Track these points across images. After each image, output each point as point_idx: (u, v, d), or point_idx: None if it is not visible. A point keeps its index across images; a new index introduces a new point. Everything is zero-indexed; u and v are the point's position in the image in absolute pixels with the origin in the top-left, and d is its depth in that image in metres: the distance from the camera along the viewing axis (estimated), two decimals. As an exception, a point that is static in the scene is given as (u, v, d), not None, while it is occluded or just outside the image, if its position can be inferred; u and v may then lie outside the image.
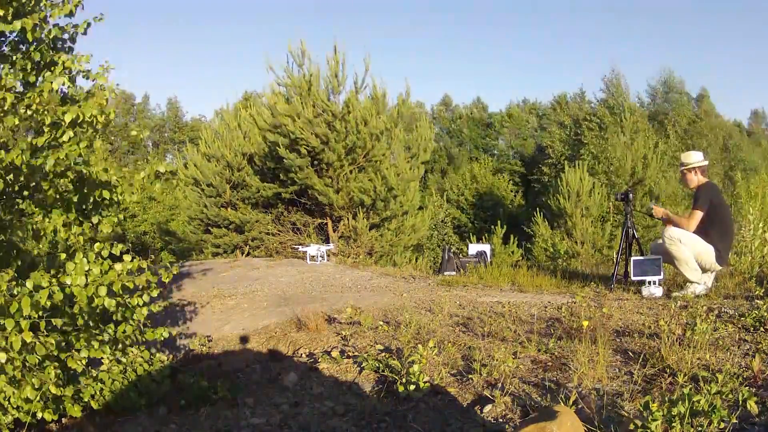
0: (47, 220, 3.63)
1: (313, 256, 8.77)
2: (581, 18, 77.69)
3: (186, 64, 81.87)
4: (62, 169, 3.57)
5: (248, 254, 11.49)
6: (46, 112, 3.51)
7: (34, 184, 3.62)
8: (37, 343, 3.15)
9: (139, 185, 3.86)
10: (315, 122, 10.27)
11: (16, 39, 3.74)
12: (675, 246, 5.30)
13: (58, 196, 3.70)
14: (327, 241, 10.89)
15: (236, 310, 5.96)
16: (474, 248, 9.11)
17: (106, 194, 3.70)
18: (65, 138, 3.57)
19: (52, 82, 3.57)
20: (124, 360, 3.94)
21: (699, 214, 5.35)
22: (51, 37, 3.72)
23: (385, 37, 79.22)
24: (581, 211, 16.36)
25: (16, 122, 3.44)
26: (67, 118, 3.48)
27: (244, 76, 74.91)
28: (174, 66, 79.72)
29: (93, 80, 3.82)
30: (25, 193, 3.74)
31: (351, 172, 10.88)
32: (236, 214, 11.76)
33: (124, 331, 3.77)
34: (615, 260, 6.19)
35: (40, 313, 3.14)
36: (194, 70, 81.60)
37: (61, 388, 3.45)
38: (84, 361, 3.54)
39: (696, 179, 5.58)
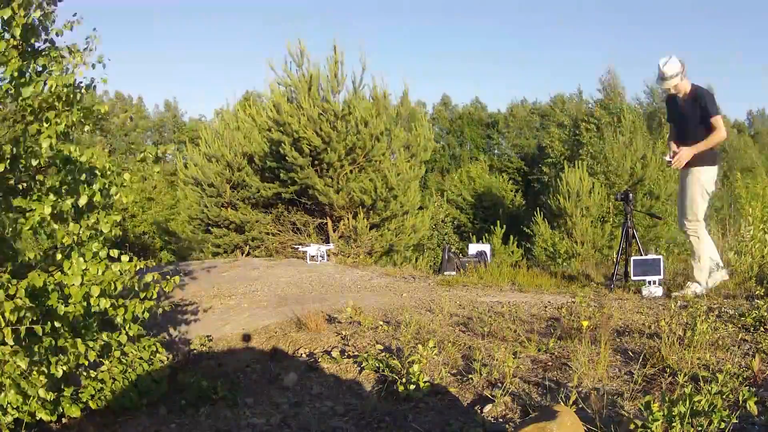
0: (34, 210, 3.31)
1: (313, 256, 8.77)
2: (579, 18, 77.78)
3: (186, 64, 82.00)
4: (29, 147, 3.34)
5: (248, 254, 11.49)
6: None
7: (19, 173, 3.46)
8: (9, 361, 3.06)
9: (137, 173, 3.68)
10: (318, 121, 10.27)
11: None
12: (695, 239, 5.32)
13: (43, 181, 3.49)
14: (327, 241, 10.88)
15: (236, 310, 5.95)
16: (474, 248, 9.11)
17: (97, 198, 3.49)
18: (30, 118, 3.37)
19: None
20: (124, 360, 3.93)
21: (721, 119, 4.94)
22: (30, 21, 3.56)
23: (385, 37, 79.31)
24: (581, 211, 16.37)
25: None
26: (25, 93, 3.25)
27: (244, 76, 75.05)
28: (174, 66, 79.87)
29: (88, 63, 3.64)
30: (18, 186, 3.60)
31: (351, 172, 10.88)
32: (236, 214, 11.76)
33: (119, 341, 3.73)
34: (615, 260, 6.19)
35: (21, 315, 3.00)
36: (194, 70, 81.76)
37: (51, 392, 3.38)
38: (68, 368, 3.46)
39: (689, 83, 5.13)
